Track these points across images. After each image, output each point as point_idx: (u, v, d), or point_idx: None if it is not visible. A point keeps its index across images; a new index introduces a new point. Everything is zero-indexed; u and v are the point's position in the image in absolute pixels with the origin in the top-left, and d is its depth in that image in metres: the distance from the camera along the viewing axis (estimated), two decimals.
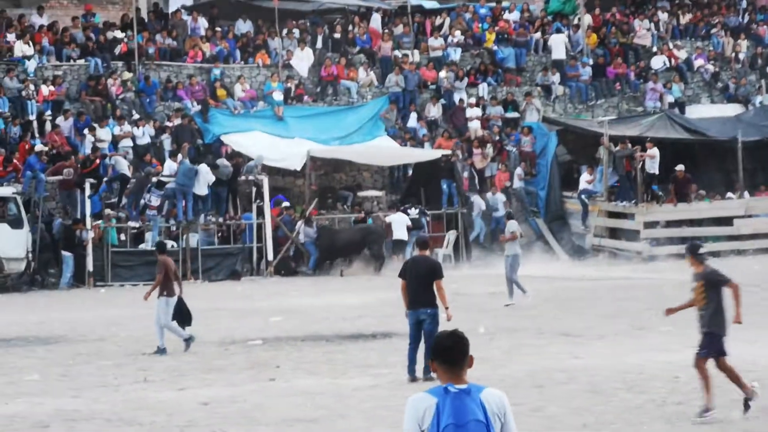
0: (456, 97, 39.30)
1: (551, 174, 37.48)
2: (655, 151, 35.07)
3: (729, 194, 36.89)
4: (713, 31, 45.15)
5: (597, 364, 16.28)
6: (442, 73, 39.45)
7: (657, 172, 35.18)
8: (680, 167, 35.47)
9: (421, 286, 15.14)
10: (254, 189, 34.00)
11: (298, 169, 34.40)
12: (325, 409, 13.69)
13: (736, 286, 13.15)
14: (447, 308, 15.29)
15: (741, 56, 43.98)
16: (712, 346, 12.81)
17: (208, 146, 35.56)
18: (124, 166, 32.82)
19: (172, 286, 18.59)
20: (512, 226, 24.93)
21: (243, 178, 34.17)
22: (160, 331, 18.68)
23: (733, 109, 41.67)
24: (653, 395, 13.86)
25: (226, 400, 14.47)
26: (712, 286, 13.11)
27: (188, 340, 18.88)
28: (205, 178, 32.64)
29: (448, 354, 5.68)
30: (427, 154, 36.15)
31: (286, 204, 34.15)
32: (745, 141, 37.49)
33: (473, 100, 39.26)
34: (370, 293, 27.25)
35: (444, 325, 15.48)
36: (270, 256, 32.84)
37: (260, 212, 33.30)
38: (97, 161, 32.07)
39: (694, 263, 13.12)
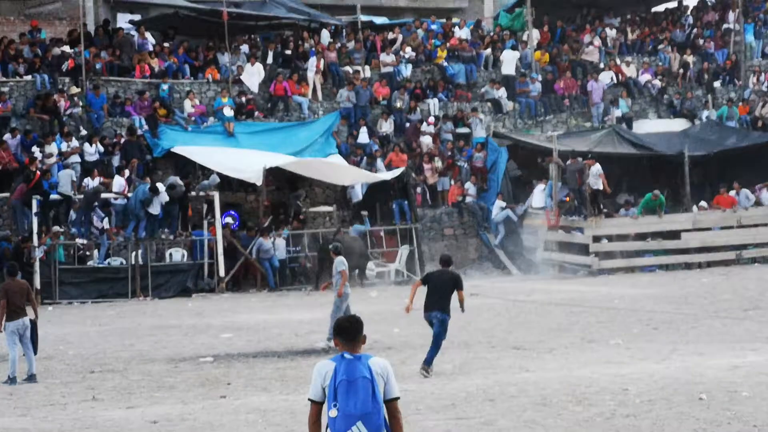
0: (411, 117, 39.43)
1: (502, 189, 37.65)
2: (597, 168, 35.12)
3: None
4: (660, 46, 45.63)
5: (547, 377, 16.36)
6: (399, 103, 39.53)
7: (601, 188, 35.30)
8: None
9: (439, 292, 17.48)
10: (205, 205, 33.88)
11: (259, 183, 34.18)
12: (277, 426, 13.65)
13: None
14: (463, 311, 17.72)
15: (688, 72, 44.42)
16: None
17: (158, 161, 35.38)
18: (68, 184, 32.45)
19: (12, 311, 17.94)
20: (340, 264, 21.42)
21: (194, 194, 34.01)
22: (19, 358, 17.87)
23: (679, 124, 42.06)
24: (602, 408, 13.94)
25: (176, 418, 14.38)
26: None
27: (9, 379, 17.78)
28: (159, 198, 32.48)
29: (346, 333, 7.59)
30: (383, 176, 36.01)
31: (230, 219, 33.98)
32: (692, 155, 37.77)
33: (432, 119, 39.39)
34: (323, 309, 27.22)
35: (454, 321, 17.88)
36: (221, 272, 32.70)
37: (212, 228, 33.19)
38: (38, 173, 31.74)
39: None
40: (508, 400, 14.74)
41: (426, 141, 38.70)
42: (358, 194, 36.50)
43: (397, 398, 7.60)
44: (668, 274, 34.21)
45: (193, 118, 36.94)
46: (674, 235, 35.73)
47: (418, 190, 37.20)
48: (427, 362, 17.35)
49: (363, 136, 38.23)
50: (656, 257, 35.75)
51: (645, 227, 35.78)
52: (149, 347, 21.51)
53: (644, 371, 16.54)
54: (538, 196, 36.98)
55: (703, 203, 37.23)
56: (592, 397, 14.69)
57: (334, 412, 7.44)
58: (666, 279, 32.66)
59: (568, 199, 36.30)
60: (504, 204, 36.95)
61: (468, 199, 37.77)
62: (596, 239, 35.38)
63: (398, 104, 39.69)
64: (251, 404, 15.16)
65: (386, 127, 39.05)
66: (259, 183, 34.18)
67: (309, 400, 7.60)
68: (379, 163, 37.15)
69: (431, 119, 39.50)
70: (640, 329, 21.91)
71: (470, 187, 37.87)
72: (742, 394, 14.44)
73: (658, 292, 28.74)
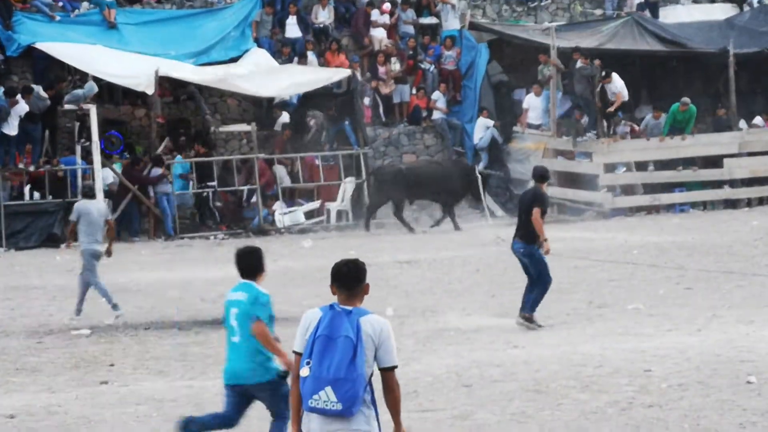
0: (359, 1, 39.22)
1: (481, 100, 37.64)
2: (615, 85, 35.05)
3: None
4: None
5: (542, 355, 16.47)
6: None
7: (626, 98, 35.35)
8: None
9: (520, 218, 18.89)
10: (77, 123, 33.68)
11: (150, 92, 33.97)
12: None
13: None
14: (545, 240, 18.58)
15: None
16: None
17: (12, 62, 35.15)
18: None
19: None
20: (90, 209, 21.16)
21: (63, 108, 33.82)
22: None
23: (722, 11, 42.03)
24: (616, 396, 14.06)
25: (41, 411, 14.38)
26: None
27: None
28: (15, 111, 32.27)
29: (344, 279, 8.43)
30: (327, 74, 35.89)
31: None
32: (740, 53, 37.84)
33: (386, 6, 39.12)
34: None
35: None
36: None
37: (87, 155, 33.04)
38: None
39: None
40: (489, 385, 14.84)
41: (378, 35, 38.57)
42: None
43: (393, 367, 8.56)
44: (706, 215, 34.43)
45: (60, 4, 36.60)
46: (714, 162, 35.92)
47: (367, 101, 37.12)
48: (525, 309, 18.54)
49: (292, 29, 38.01)
50: (689, 192, 35.96)
51: (674, 151, 35.93)
52: (4, 316, 21.45)
53: (673, 346, 16.68)
54: (532, 110, 36.96)
55: (757, 119, 37.38)
56: (602, 381, 14.81)
57: (305, 371, 8.27)
58: (703, 222, 32.86)
59: (579, 116, 36.27)
60: (491, 123, 36.97)
61: (436, 115, 37.76)
62: (609, 168, 35.50)
63: None
64: (142, 392, 15.18)
65: (324, 16, 38.84)
66: (150, 92, 34.02)
67: (293, 351, 8.47)
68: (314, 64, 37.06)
69: (386, 5, 39.32)
70: (667, 290, 22.07)
71: (439, 97, 37.86)
72: None
73: (692, 239, 28.94)
